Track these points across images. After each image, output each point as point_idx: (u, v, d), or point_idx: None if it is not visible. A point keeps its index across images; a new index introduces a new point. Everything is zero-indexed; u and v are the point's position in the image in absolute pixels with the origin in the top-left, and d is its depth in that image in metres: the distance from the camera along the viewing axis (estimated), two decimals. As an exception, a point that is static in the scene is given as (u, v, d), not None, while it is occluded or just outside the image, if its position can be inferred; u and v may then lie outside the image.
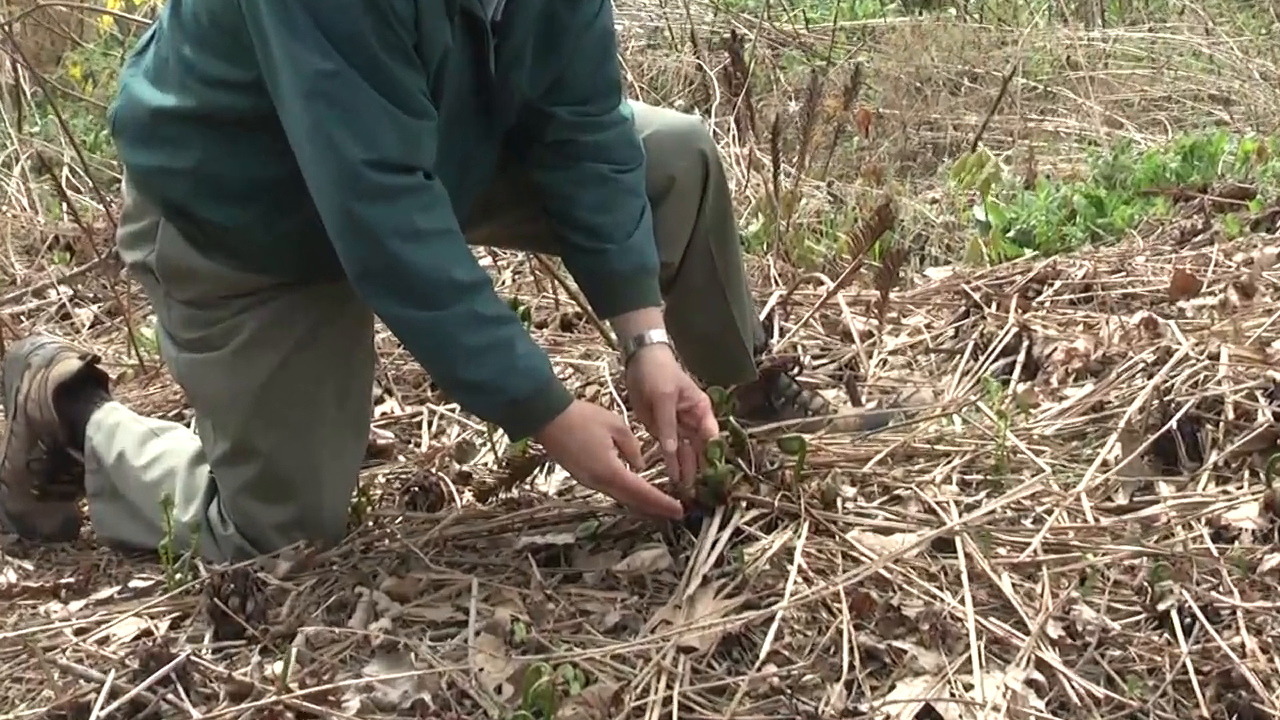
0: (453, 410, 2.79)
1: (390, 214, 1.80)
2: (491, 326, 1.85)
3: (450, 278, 1.83)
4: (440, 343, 1.85)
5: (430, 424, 2.73)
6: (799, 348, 2.98)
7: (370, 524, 2.20)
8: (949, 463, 2.20)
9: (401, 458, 2.56)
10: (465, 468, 2.44)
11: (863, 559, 1.90)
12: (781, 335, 2.97)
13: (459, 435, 2.67)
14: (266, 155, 1.91)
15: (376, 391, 2.80)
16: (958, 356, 2.78)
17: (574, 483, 2.31)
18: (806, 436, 2.15)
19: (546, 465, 2.21)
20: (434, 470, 2.39)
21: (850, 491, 2.11)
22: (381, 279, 1.84)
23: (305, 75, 1.78)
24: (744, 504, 1.99)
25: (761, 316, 2.72)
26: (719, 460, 1.97)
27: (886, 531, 1.99)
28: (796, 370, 2.55)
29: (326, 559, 2.06)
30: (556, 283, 3.16)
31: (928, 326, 3.05)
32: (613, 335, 2.11)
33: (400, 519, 2.21)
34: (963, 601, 1.79)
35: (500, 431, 2.25)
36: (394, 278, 1.82)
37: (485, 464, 2.49)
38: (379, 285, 1.84)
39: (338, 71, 1.77)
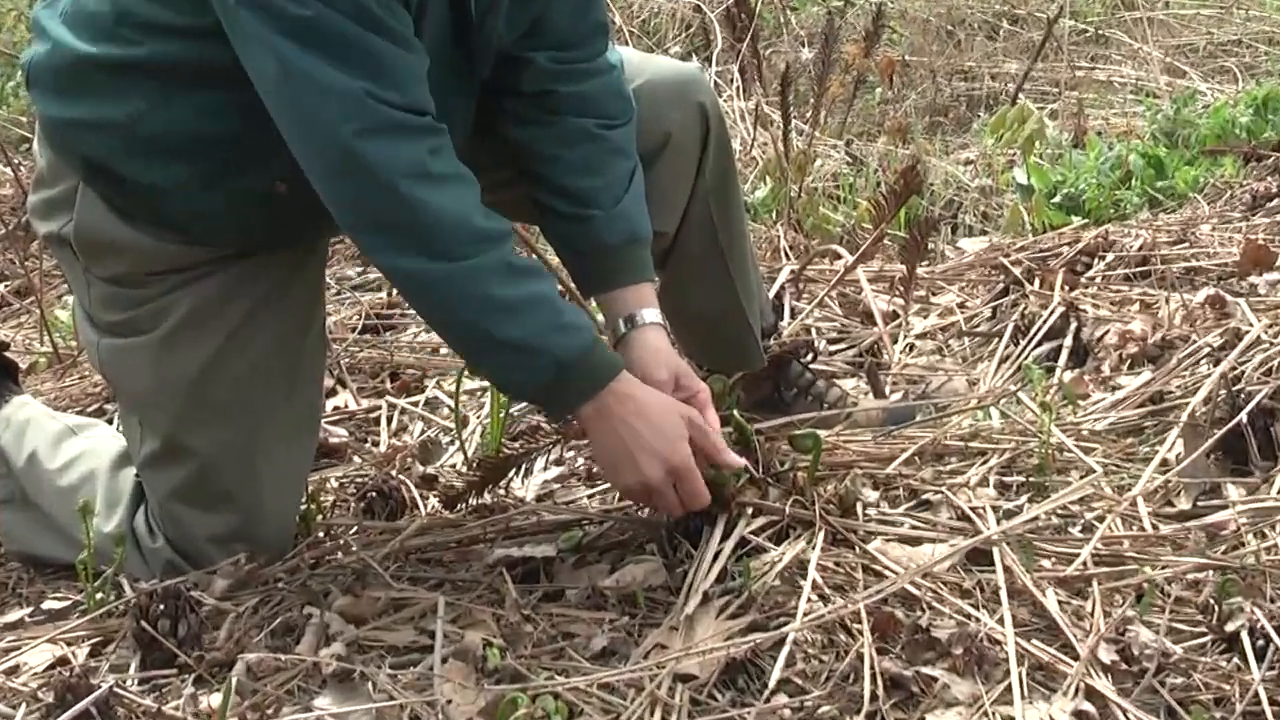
0: (415, 404, 2.79)
1: (401, 152, 1.78)
2: (527, 278, 1.84)
3: (475, 224, 1.82)
4: (468, 298, 1.81)
5: (390, 420, 2.73)
6: (813, 331, 2.98)
7: (321, 535, 2.21)
8: (985, 462, 2.21)
9: (357, 459, 2.57)
10: (430, 470, 2.44)
11: (886, 573, 1.90)
12: (793, 316, 2.97)
13: (422, 433, 2.67)
14: (219, 110, 1.90)
15: (328, 382, 2.81)
16: (995, 340, 2.78)
17: (555, 487, 2.31)
18: (822, 433, 2.15)
19: (523, 467, 2.21)
20: (394, 473, 2.39)
21: (872, 496, 2.11)
22: (392, 228, 1.81)
23: (280, 18, 1.76)
24: (750, 510, 2.00)
25: (770, 295, 2.73)
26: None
27: (914, 541, 1.99)
28: (810, 357, 2.55)
29: (270, 575, 2.06)
30: (534, 256, 3.16)
31: (961, 306, 3.05)
32: (599, 316, 2.11)
33: (355, 529, 2.21)
34: (1001, 621, 1.79)
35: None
36: (408, 226, 1.79)
37: (453, 465, 2.49)
38: (389, 236, 1.82)
39: (316, 16, 1.75)
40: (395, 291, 3.41)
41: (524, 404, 2.44)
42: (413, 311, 3.34)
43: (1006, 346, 2.74)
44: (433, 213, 1.79)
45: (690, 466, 1.88)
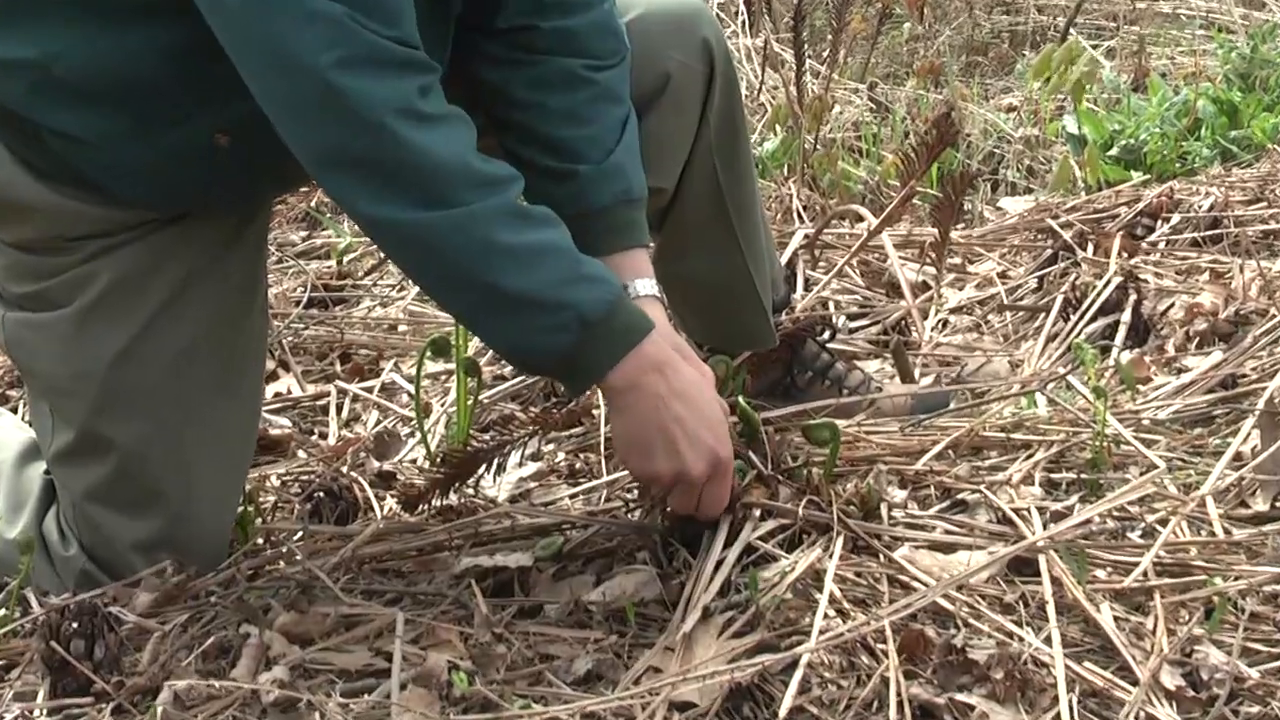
0: (369, 390, 2.79)
1: (387, 87, 1.77)
2: (539, 225, 1.84)
3: (474, 166, 1.82)
4: (468, 246, 1.80)
5: (340, 408, 2.73)
6: (831, 305, 2.98)
7: (260, 541, 2.21)
8: (1030, 457, 2.21)
9: (302, 453, 2.57)
10: (387, 466, 2.44)
11: (915, 585, 1.91)
12: (807, 288, 2.97)
13: (378, 423, 2.67)
14: (152, 49, 1.89)
15: (269, 365, 2.81)
16: (1041, 315, 2.79)
17: (532, 486, 2.32)
18: (840, 423, 2.15)
19: (495, 462, 2.21)
20: (345, 470, 2.39)
21: (899, 495, 2.11)
22: (377, 173, 1.78)
23: None
24: (758, 513, 2.00)
25: (782, 263, 2.73)
26: None
27: (947, 548, 2.00)
28: (827, 335, 2.55)
29: (202, 588, 2.06)
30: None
31: (1002, 276, 3.06)
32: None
33: (300, 535, 2.21)
34: (1048, 640, 1.80)
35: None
36: (396, 169, 1.78)
37: (413, 461, 2.49)
38: (372, 182, 1.80)
39: None
40: (346, 260, 3.42)
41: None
42: (367, 283, 3.35)
43: (1055, 322, 2.74)
44: (425, 154, 1.78)
45: (732, 464, 1.91)
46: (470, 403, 2.42)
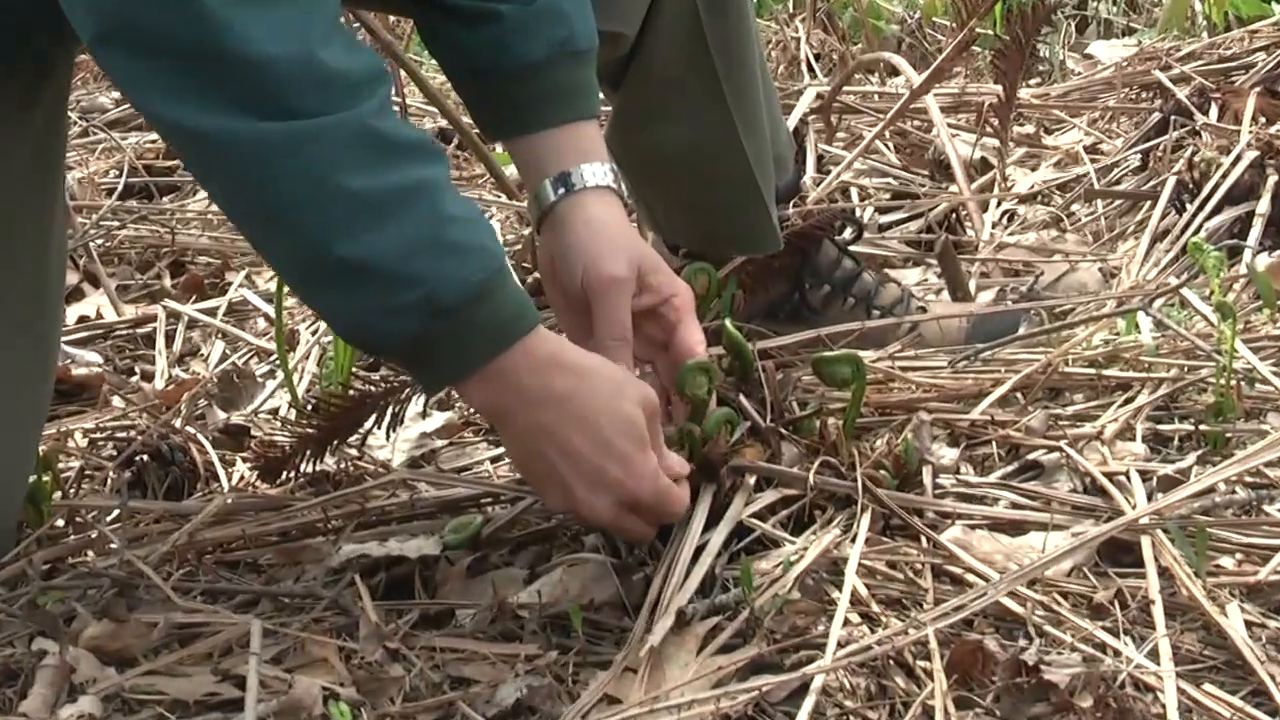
0: (211, 313, 2.77)
1: None
2: (400, 157, 1.82)
3: (321, 62, 1.79)
4: (301, 184, 1.80)
5: (170, 338, 2.73)
6: (855, 192, 2.97)
7: (61, 523, 2.21)
8: (1129, 401, 2.22)
9: (118, 401, 2.58)
10: (237, 417, 2.44)
11: (970, 579, 1.92)
12: (822, 169, 2.96)
13: (224, 359, 2.67)
14: None
15: (71, 278, 2.79)
16: (1146, 205, 2.78)
17: (438, 444, 2.32)
18: (868, 355, 2.16)
19: (388, 412, 2.20)
20: (178, 424, 2.39)
21: (948, 455, 2.13)
22: (185, 65, 1.78)
23: None
24: (752, 480, 2.01)
25: (789, 134, 2.71)
26: (705, 399, 1.98)
27: (1013, 528, 2.01)
28: (851, 234, 2.55)
29: (-21, 589, 2.06)
30: (411, 81, 3.13)
31: (1092, 151, 3.05)
32: (514, 172, 2.11)
33: (117, 514, 2.21)
34: (1155, 655, 1.81)
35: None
36: (213, 62, 1.77)
37: (273, 411, 2.50)
38: (177, 77, 1.78)
39: None
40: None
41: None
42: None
43: (1164, 214, 2.74)
44: (254, 43, 1.76)
45: (658, 492, 1.89)
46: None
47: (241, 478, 2.28)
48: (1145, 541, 1.94)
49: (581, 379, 1.87)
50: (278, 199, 1.80)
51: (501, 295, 1.84)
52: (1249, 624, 1.86)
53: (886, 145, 3.07)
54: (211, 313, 2.77)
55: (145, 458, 2.27)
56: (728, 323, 2.05)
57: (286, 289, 2.46)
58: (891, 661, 1.81)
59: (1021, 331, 2.41)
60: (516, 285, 1.87)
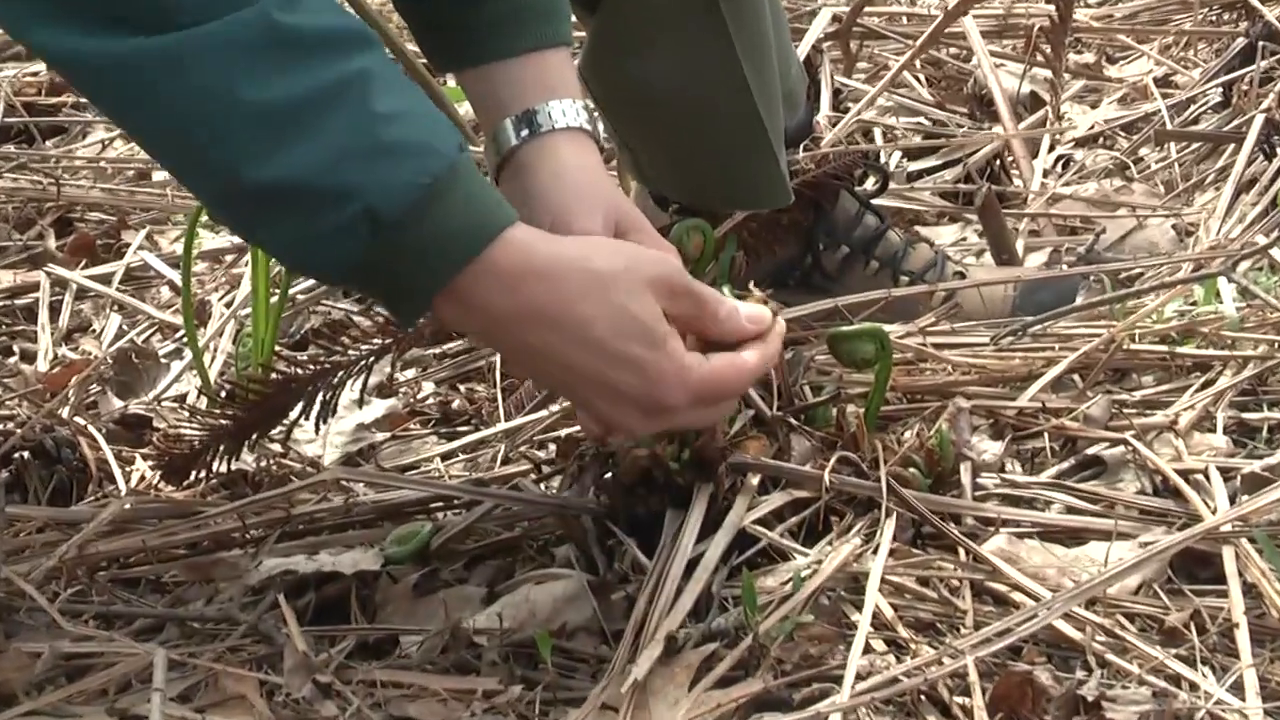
0: (104, 279, 2.76)
1: None
2: (311, 52, 1.81)
3: None
4: (185, 104, 1.79)
5: (55, 310, 2.73)
6: (879, 134, 2.97)
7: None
8: (1209, 384, 2.22)
9: (-10, 385, 2.58)
10: (136, 406, 2.44)
11: (1017, 598, 1.91)
12: (838, 106, 2.95)
13: (121, 336, 2.66)
14: None
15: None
16: (1229, 149, 2.78)
17: (379, 438, 2.31)
18: (894, 329, 2.16)
19: (319, 399, 2.20)
20: (65, 414, 2.39)
21: (990, 449, 2.13)
22: None
23: None
24: (755, 480, 2.00)
25: (800, 63, 2.71)
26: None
27: (1070, 537, 2.01)
28: (875, 184, 2.55)
29: None
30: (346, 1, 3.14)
31: (1164, 83, 3.05)
32: (468, 110, 2.10)
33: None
34: (1238, 689, 1.81)
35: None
36: None
37: (180, 398, 2.50)
38: None
39: None
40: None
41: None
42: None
43: (1250, 160, 2.74)
44: None
45: (698, 385, 1.85)
46: (276, 300, 2.40)
47: (142, 478, 2.27)
48: (1227, 553, 1.93)
49: (560, 283, 1.84)
50: (173, 125, 1.80)
51: (454, 200, 1.83)
52: (1358, 653, 1.87)
53: (917, 77, 3.06)
54: (105, 280, 2.76)
55: (26, 455, 2.26)
56: (726, 291, 2.05)
57: (204, 224, 2.46)
58: (923, 697, 1.80)
59: (1079, 301, 2.41)
60: (478, 185, 1.85)
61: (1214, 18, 3.21)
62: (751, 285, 2.00)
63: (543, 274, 1.83)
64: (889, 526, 1.96)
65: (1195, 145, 2.89)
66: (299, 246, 1.83)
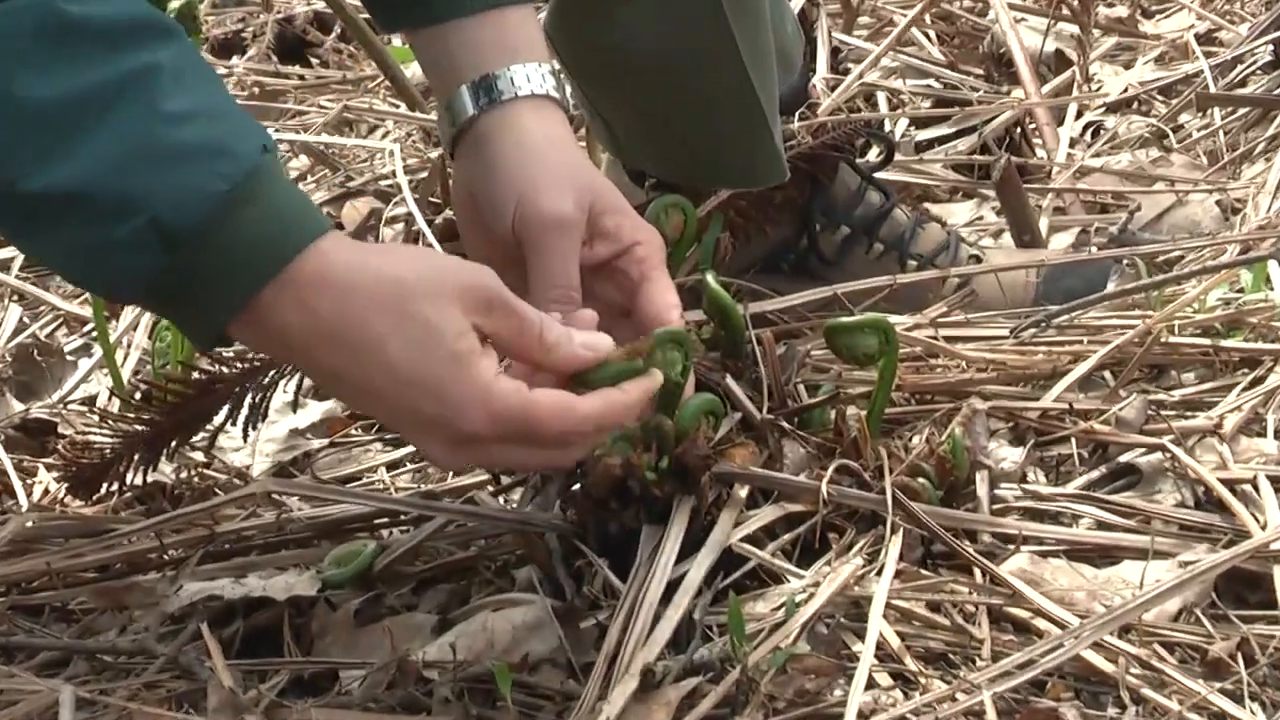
0: (5, 266, 2.77)
1: None
2: (95, 45, 1.80)
3: None
4: None
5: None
6: (884, 99, 2.97)
7: None
8: (1257, 382, 2.22)
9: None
10: (39, 409, 2.47)
11: (1041, 624, 1.91)
12: (836, 68, 2.96)
13: (21, 331, 2.67)
14: None
15: None
16: (1278, 116, 2.79)
17: (315, 445, 2.32)
18: (899, 320, 2.17)
19: (245, 401, 2.20)
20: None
21: (1010, 457, 2.12)
22: None
23: None
24: (743, 491, 2.00)
25: (795, 19, 2.71)
26: (680, 381, 1.97)
27: (1101, 556, 2.00)
28: (879, 155, 2.55)
29: None
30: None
31: (1206, 40, 3.05)
32: (417, 73, 2.10)
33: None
34: (1294, 729, 1.80)
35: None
36: None
37: (89, 399, 2.51)
38: None
39: None
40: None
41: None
42: None
43: (1301, 130, 2.75)
44: None
45: (505, 414, 1.86)
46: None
47: (45, 491, 2.27)
48: (1278, 573, 1.93)
49: (351, 294, 1.85)
50: None
51: (255, 210, 1.83)
52: None
53: (926, 34, 3.06)
54: (4, 266, 2.76)
55: (-86, 465, 2.27)
56: (710, 278, 2.05)
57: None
58: (937, 737, 1.81)
59: (1110, 289, 2.41)
60: (281, 190, 1.85)
61: (1261, -29, 3.21)
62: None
63: (335, 285, 1.85)
64: (895, 544, 1.96)
65: (1242, 111, 2.89)
66: (79, 261, 1.84)
